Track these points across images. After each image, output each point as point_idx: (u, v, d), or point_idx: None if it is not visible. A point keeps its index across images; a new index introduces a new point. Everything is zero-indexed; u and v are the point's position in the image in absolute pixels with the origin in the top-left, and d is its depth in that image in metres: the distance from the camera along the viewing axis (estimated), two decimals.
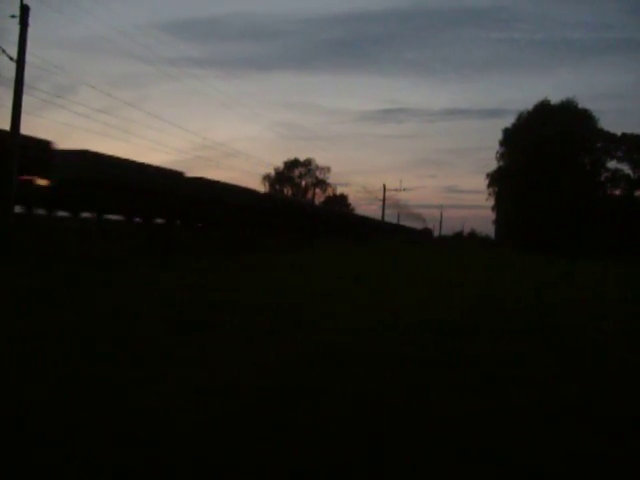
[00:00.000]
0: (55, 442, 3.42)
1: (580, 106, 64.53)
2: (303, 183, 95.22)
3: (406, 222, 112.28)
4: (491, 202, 74.49)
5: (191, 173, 33.94)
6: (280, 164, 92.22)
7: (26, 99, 23.90)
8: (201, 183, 33.31)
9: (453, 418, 4.23)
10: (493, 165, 74.60)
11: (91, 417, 3.83)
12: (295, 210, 50.01)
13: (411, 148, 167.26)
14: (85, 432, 3.56)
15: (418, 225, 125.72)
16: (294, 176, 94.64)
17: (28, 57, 18.50)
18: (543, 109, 65.15)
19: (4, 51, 17.69)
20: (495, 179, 72.20)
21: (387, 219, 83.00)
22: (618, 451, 3.75)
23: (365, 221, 77.46)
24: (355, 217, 78.81)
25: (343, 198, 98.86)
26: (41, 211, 23.11)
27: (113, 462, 3.16)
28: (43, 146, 20.66)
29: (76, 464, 3.12)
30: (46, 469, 3.06)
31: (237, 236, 32.43)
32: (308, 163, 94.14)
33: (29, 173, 19.87)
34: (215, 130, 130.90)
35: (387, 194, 74.08)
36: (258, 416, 4.05)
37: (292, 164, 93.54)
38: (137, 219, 27.84)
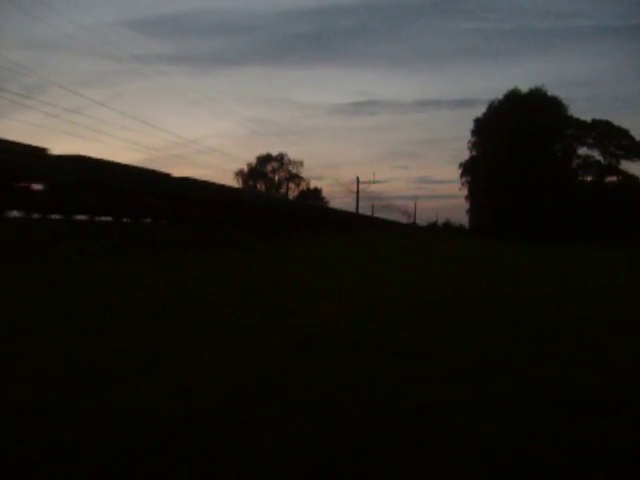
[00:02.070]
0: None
1: (550, 94, 65.38)
2: (276, 178, 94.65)
3: (390, 216, 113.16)
4: (464, 192, 75.23)
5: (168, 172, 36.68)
6: (253, 160, 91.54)
7: None
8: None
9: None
10: (465, 155, 74.98)
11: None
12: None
13: (383, 140, 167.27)
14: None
15: (402, 218, 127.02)
16: (267, 171, 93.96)
17: None
18: (513, 98, 65.80)
19: None
20: (468, 169, 72.78)
21: (362, 211, 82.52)
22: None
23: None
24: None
25: (317, 192, 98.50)
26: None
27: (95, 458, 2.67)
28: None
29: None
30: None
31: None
32: (281, 158, 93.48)
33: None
34: (187, 127, 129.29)
35: (361, 186, 73.92)
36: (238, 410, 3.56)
37: (265, 159, 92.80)
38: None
